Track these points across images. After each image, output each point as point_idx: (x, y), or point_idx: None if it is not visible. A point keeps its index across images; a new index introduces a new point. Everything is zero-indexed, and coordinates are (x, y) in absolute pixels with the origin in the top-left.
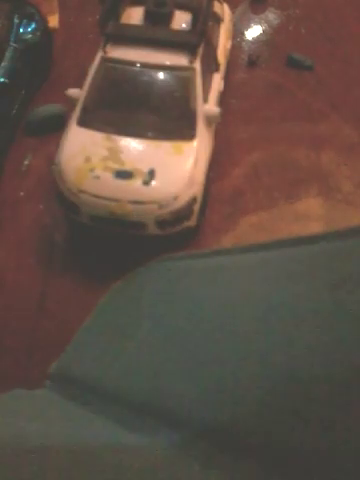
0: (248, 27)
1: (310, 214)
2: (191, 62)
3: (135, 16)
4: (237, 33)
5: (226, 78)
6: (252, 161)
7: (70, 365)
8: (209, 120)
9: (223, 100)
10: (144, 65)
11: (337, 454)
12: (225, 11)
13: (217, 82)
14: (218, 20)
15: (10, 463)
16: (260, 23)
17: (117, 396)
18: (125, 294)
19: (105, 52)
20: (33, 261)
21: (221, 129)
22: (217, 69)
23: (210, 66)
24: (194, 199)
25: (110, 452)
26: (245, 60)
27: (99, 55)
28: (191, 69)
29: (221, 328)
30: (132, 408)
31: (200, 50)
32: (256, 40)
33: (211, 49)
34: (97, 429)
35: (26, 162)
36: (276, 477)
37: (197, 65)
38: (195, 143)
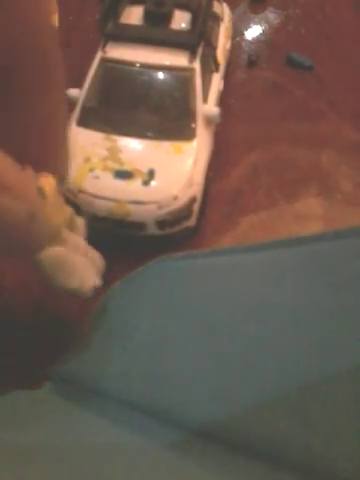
0: (248, 27)
1: (310, 214)
2: (190, 62)
3: (134, 16)
4: (237, 33)
5: (226, 78)
6: (252, 161)
7: (70, 366)
8: (209, 120)
9: (223, 100)
10: (143, 65)
11: (337, 454)
12: (225, 11)
13: (217, 82)
14: (218, 20)
15: (10, 464)
16: (260, 23)
17: (117, 396)
18: (125, 294)
19: (105, 52)
20: None
21: (221, 129)
22: (217, 69)
23: (210, 66)
24: (194, 199)
25: (110, 452)
26: (245, 60)
27: (99, 55)
28: (191, 69)
29: (220, 328)
30: (132, 408)
31: (200, 50)
32: (256, 40)
33: (211, 49)
34: (97, 429)
35: None
36: (276, 477)
37: (197, 65)
38: (195, 143)
